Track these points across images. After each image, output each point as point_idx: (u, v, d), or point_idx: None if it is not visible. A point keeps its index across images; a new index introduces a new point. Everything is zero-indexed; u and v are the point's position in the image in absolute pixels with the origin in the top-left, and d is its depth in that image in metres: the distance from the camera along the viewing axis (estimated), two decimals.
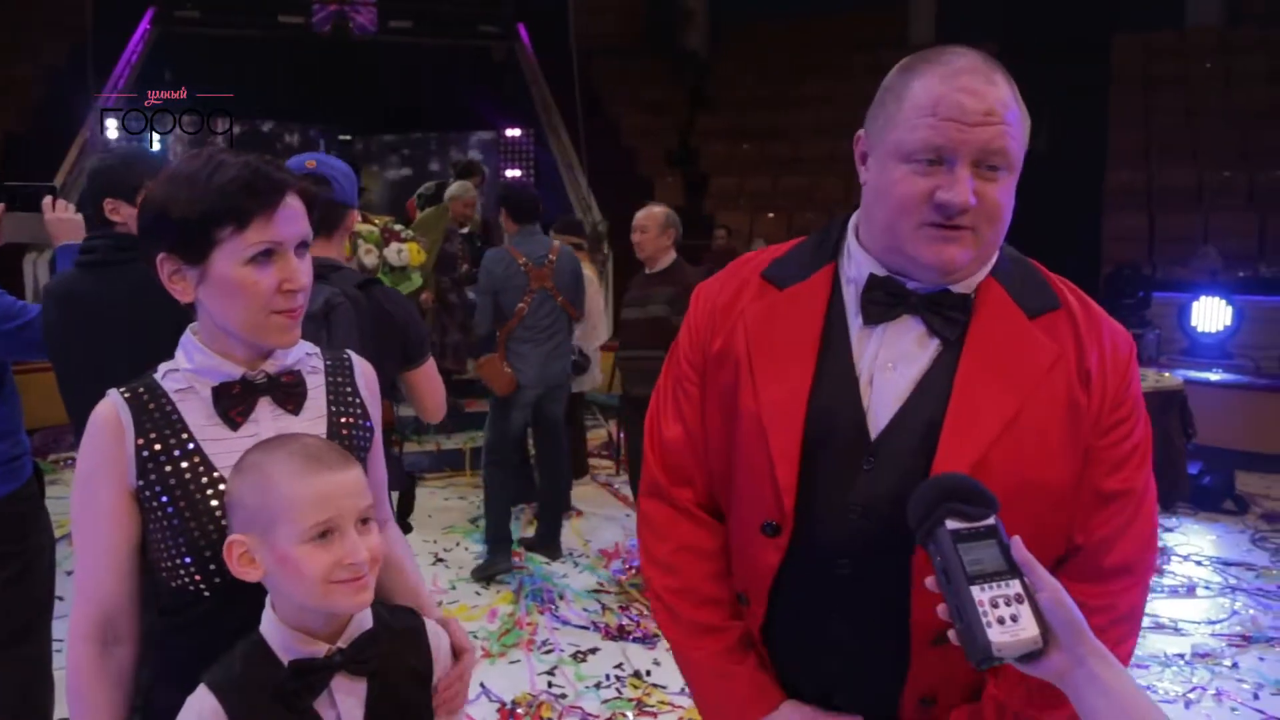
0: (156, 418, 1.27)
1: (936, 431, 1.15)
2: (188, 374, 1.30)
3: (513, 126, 12.46)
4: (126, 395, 1.29)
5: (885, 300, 1.20)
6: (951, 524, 1.00)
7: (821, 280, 1.26)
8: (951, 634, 1.00)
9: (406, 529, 2.77)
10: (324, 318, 1.97)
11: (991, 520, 1.01)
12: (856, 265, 1.24)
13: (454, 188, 6.50)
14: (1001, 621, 0.96)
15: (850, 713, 1.25)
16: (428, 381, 2.59)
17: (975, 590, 0.97)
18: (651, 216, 4.41)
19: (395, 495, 3.48)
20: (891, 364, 1.20)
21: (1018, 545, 1.00)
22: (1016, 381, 1.16)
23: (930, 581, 1.02)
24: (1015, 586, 0.98)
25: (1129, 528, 1.20)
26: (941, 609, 1.01)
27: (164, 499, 1.25)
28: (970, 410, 1.15)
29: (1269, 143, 9.28)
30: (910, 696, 1.22)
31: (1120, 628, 1.18)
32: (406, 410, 4.94)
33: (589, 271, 5.64)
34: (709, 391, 1.31)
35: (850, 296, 1.24)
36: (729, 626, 1.31)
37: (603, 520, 5.45)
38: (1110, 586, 1.18)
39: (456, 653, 1.37)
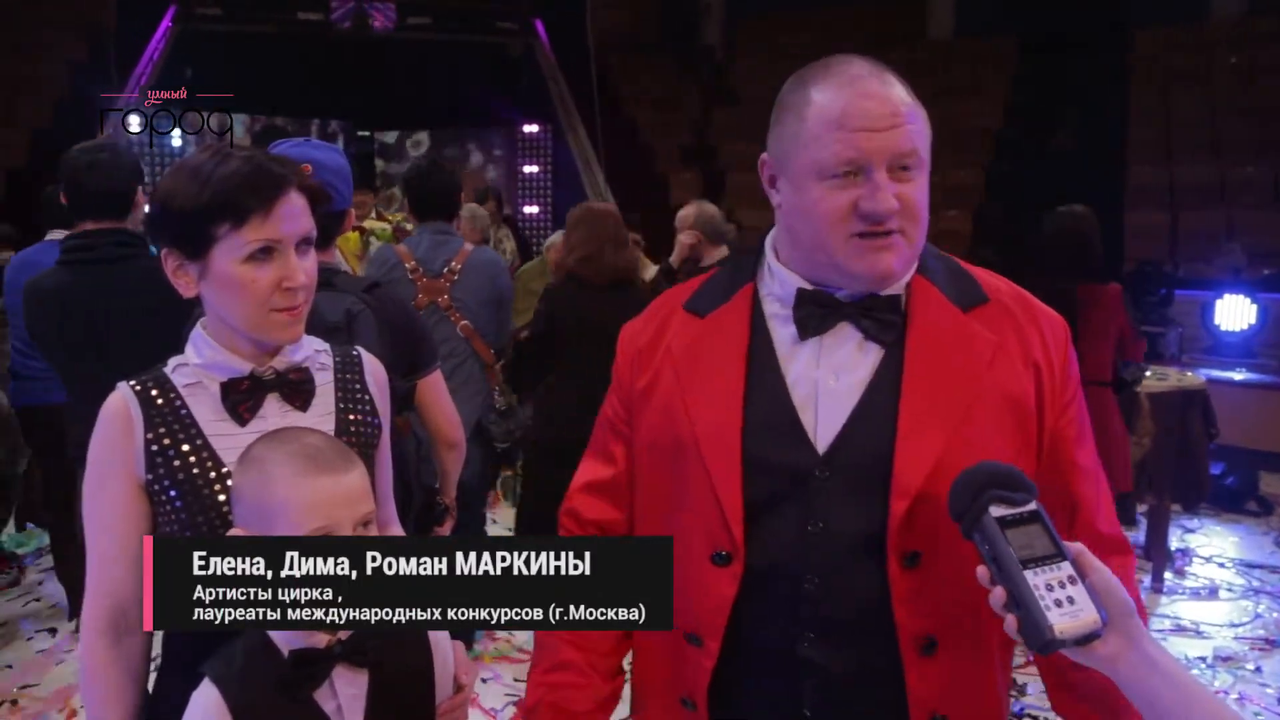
0: (165, 412, 1.28)
1: (890, 436, 1.15)
2: (197, 369, 1.30)
3: (530, 122, 12.47)
4: (136, 388, 1.29)
5: (818, 312, 1.19)
6: (996, 510, 1.00)
7: (741, 301, 1.25)
8: (1009, 623, 0.98)
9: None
10: (346, 328, 1.94)
11: (1034, 505, 1.01)
12: (780, 282, 1.23)
13: (552, 236, 5.99)
14: (1059, 604, 0.95)
15: None
16: (437, 394, 2.38)
17: (1029, 574, 0.96)
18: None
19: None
20: (834, 374, 1.18)
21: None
22: (961, 376, 1.16)
23: (981, 572, 1.01)
24: (1067, 569, 0.97)
25: (1102, 497, 1.23)
26: (994, 599, 0.99)
27: (172, 493, 1.26)
28: (922, 410, 1.15)
29: None
30: (919, 715, 1.17)
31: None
32: None
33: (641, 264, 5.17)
34: (639, 429, 1.29)
35: (773, 313, 1.23)
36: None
37: None
38: (1111, 561, 1.15)
39: (457, 681, 1.35)
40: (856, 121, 1.12)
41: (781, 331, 1.22)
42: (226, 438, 1.27)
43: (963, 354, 1.17)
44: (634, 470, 1.31)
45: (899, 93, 1.15)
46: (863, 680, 1.17)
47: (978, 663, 1.21)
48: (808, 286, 1.20)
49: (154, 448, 1.26)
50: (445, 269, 3.37)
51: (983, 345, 1.18)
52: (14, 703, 3.31)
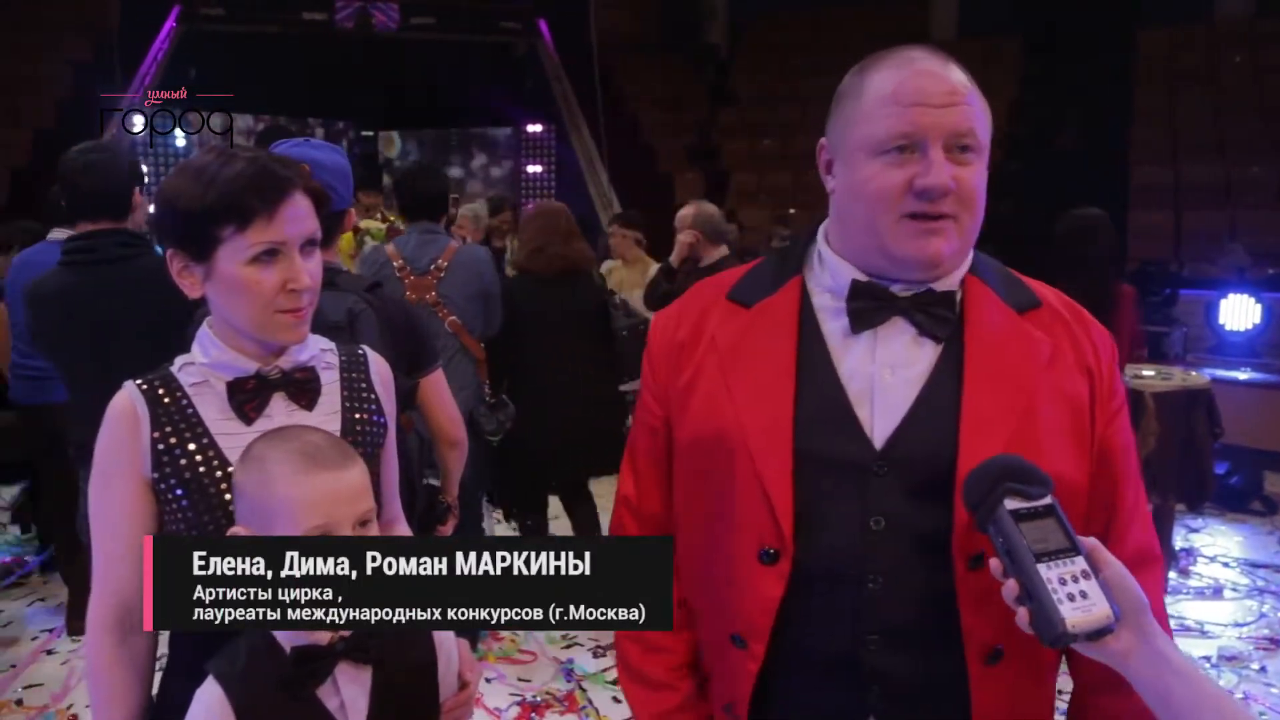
0: (172, 411, 1.28)
1: (950, 433, 1.12)
2: (203, 368, 1.30)
3: (534, 122, 12.51)
4: (143, 387, 1.29)
5: (871, 305, 1.16)
6: (1011, 504, 1.00)
7: (790, 293, 1.22)
8: (1021, 616, 0.97)
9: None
10: (349, 327, 1.95)
11: (1049, 499, 1.01)
12: (833, 273, 1.20)
13: None
14: (1072, 598, 0.94)
15: None
16: (438, 392, 2.39)
17: (1042, 568, 0.96)
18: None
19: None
20: (890, 368, 1.16)
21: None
22: (1021, 375, 1.15)
23: (994, 564, 1.00)
24: (1080, 563, 0.97)
25: (1140, 506, 1.21)
26: (1007, 591, 0.98)
27: (178, 491, 1.26)
28: (984, 407, 1.13)
29: None
30: None
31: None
32: None
33: (645, 263, 5.20)
34: (682, 423, 1.25)
35: (823, 305, 1.21)
36: (672, 686, 1.27)
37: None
38: (1143, 571, 1.13)
39: (461, 679, 1.35)
40: (912, 96, 1.10)
41: (832, 324, 1.19)
42: (232, 437, 1.27)
43: (1021, 353, 1.16)
44: (674, 466, 1.27)
45: (958, 75, 1.13)
46: (928, 689, 1.14)
47: (1038, 674, 1.18)
48: (862, 278, 1.17)
49: (160, 447, 1.26)
50: (432, 266, 3.47)
51: (1040, 346, 1.16)
52: (18, 702, 3.31)
